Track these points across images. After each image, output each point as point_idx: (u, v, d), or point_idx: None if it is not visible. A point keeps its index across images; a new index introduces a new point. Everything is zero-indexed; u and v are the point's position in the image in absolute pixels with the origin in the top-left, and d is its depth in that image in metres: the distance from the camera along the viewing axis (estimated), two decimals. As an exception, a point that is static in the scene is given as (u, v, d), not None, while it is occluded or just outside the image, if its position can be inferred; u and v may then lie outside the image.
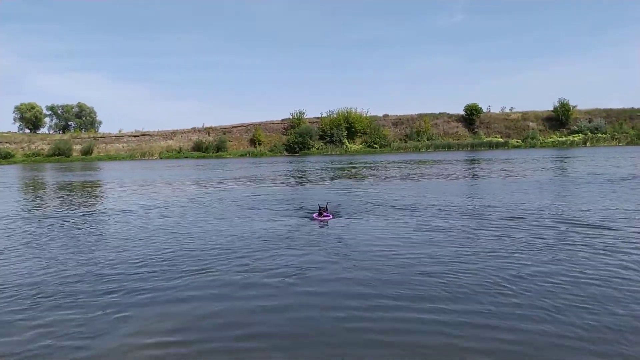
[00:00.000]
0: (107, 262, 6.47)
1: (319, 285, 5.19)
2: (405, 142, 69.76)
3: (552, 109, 71.79)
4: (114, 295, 5.09)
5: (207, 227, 9.04)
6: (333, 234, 8.15)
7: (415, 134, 70.50)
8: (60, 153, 69.27)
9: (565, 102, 70.75)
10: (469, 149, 65.68)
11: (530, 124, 71.70)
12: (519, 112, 74.59)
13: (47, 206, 14.02)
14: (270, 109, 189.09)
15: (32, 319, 4.55)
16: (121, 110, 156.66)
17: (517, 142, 67.84)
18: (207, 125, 76.67)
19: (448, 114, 75.37)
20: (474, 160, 36.18)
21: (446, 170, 24.28)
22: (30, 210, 13.18)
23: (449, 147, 66.55)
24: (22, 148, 72.26)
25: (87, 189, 20.15)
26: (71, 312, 4.66)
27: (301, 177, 23.41)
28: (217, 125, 76.58)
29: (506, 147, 65.14)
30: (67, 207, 13.07)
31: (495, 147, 65.29)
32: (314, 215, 9.70)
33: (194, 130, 76.15)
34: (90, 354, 3.78)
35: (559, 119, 70.59)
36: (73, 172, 37.04)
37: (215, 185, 19.55)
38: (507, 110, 75.74)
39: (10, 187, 22.12)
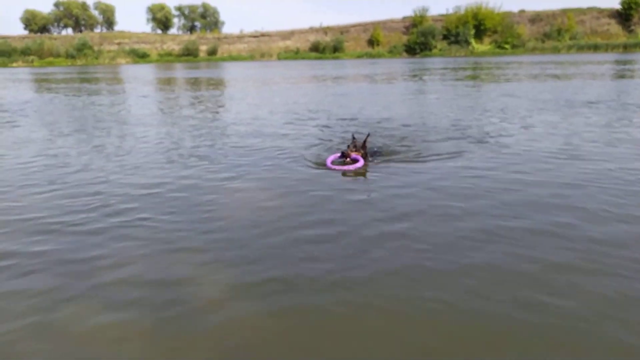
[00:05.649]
0: (211, 141, 7.13)
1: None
2: (543, 42, 62.21)
3: None
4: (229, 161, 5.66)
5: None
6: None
7: (556, 33, 62.35)
8: (189, 53, 73.36)
9: None
10: (620, 50, 56.74)
11: None
12: (693, 5, 61.72)
13: (186, 99, 15.22)
14: (391, 5, 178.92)
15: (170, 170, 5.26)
16: (241, 9, 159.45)
17: (686, 42, 56.95)
18: (325, 24, 75.08)
19: (598, 8, 65.06)
20: (627, 61, 30.00)
21: (585, 74, 19.29)
22: (172, 100, 14.67)
23: (595, 47, 58.17)
24: (155, 48, 77.42)
25: (218, 84, 21.60)
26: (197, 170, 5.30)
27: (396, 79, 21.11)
28: (335, 25, 74.77)
29: (670, 48, 55.14)
30: (196, 99, 14.41)
31: (656, 48, 55.60)
32: (329, 159, 5.11)
33: (311, 30, 75.10)
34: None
35: None
36: (200, 69, 39.48)
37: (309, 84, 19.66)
38: (677, 2, 63.04)
39: (165, 83, 24.18)
